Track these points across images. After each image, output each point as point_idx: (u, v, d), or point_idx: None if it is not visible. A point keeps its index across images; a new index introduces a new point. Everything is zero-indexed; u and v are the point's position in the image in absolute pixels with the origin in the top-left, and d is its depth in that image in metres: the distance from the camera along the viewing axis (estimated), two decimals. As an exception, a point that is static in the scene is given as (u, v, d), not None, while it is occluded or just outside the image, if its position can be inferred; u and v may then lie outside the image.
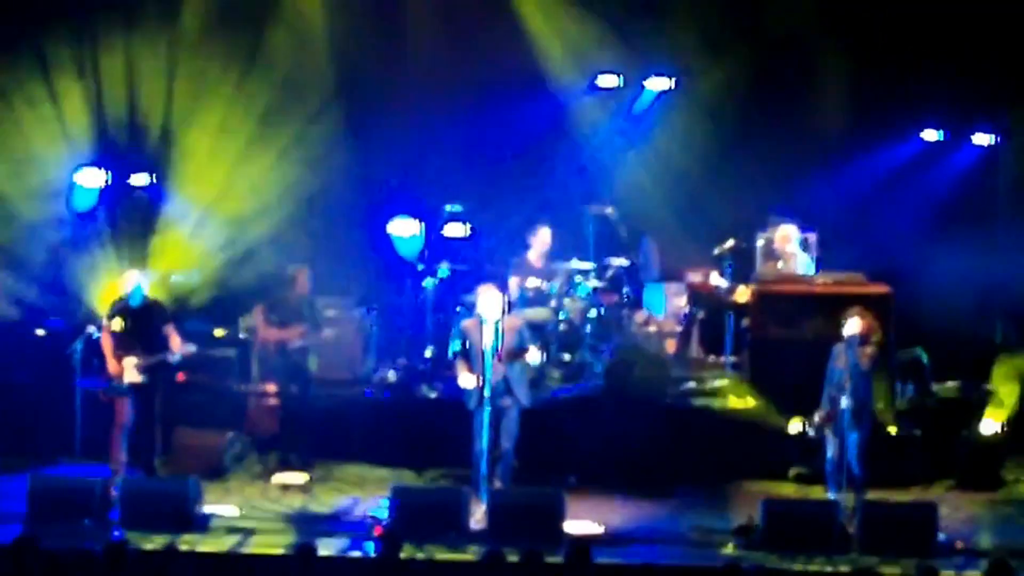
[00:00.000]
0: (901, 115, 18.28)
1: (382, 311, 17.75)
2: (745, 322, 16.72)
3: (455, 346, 14.95)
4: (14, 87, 17.64)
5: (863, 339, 14.22)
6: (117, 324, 14.92)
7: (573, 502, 14.14)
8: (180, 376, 16.49)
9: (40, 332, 16.88)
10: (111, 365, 14.90)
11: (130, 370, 14.84)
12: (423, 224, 17.99)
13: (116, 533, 13.46)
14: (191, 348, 15.14)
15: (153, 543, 13.12)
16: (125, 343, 14.91)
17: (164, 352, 14.93)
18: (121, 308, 15.03)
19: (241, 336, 17.00)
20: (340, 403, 16.71)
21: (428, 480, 15.75)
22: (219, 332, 17.10)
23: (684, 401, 16.62)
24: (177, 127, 17.88)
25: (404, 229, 18.05)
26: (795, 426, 14.74)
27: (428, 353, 17.16)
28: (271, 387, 16.57)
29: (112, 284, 15.57)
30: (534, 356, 14.56)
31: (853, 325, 14.28)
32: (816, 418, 14.35)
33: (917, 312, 16.57)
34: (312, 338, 16.21)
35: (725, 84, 18.40)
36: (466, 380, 14.52)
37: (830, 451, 14.30)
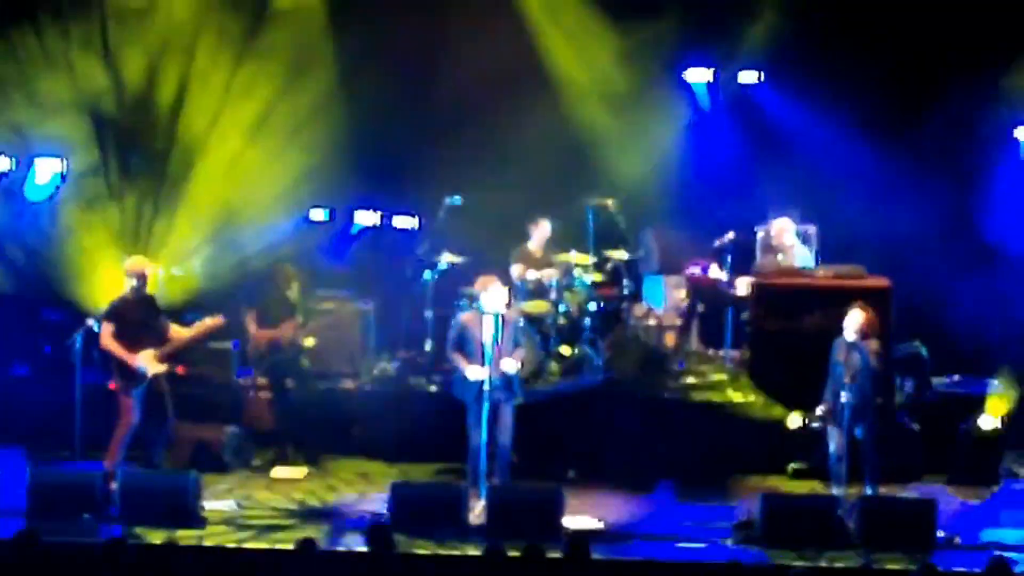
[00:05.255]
0: (905, 105, 18.23)
1: (381, 304, 17.74)
2: (745, 315, 16.72)
3: (451, 339, 14.87)
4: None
5: (864, 334, 14.19)
6: (115, 324, 14.41)
7: (572, 497, 14.14)
8: (179, 369, 16.49)
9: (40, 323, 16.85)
10: (130, 359, 14.43)
11: (152, 361, 14.51)
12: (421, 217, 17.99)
13: (115, 528, 13.45)
14: (219, 320, 14.86)
15: (153, 537, 13.11)
16: (131, 337, 14.50)
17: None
18: (122, 304, 14.57)
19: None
20: (339, 397, 16.71)
21: (427, 475, 15.74)
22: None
23: (683, 395, 16.60)
24: (175, 115, 17.86)
25: (408, 222, 18.04)
26: (795, 420, 14.74)
27: (427, 346, 17.16)
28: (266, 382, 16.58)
29: (111, 275, 15.42)
30: (509, 365, 14.46)
31: (854, 319, 14.25)
32: (819, 411, 14.33)
33: (917, 305, 16.55)
34: (300, 332, 16.19)
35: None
36: (475, 372, 14.36)
37: (832, 446, 14.28)
